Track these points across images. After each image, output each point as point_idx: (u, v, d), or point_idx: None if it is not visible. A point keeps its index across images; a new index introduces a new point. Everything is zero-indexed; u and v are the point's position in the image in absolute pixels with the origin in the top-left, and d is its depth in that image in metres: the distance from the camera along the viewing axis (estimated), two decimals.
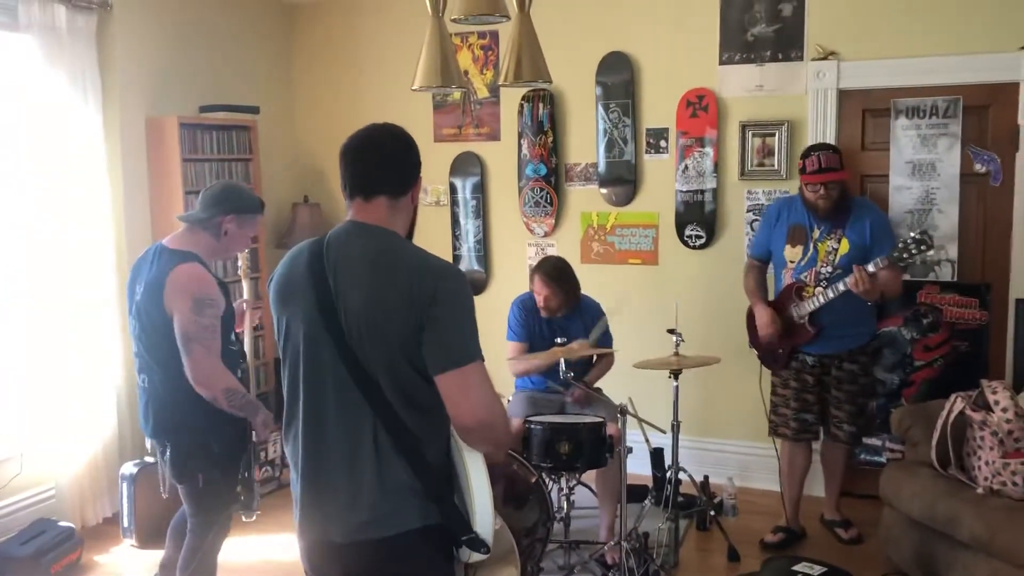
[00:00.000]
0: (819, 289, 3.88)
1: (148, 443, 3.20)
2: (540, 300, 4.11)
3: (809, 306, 3.89)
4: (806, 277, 3.94)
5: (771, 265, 4.19)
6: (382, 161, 2.05)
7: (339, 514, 2.01)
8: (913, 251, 3.62)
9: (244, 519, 3.30)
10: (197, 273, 2.94)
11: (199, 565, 3.14)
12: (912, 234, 3.64)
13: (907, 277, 4.41)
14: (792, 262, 3.99)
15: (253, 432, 3.10)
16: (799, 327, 3.96)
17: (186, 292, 2.88)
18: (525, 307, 4.24)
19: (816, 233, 3.94)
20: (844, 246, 3.87)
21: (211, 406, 2.93)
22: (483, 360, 1.96)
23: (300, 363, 2.03)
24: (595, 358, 4.28)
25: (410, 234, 2.15)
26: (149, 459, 4.42)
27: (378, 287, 1.93)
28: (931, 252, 3.72)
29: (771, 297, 4.17)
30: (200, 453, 3.02)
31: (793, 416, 4.09)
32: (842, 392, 4.00)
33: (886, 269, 3.67)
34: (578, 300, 4.19)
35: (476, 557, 2.05)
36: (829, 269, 3.88)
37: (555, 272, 4.12)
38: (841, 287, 3.76)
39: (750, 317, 4.21)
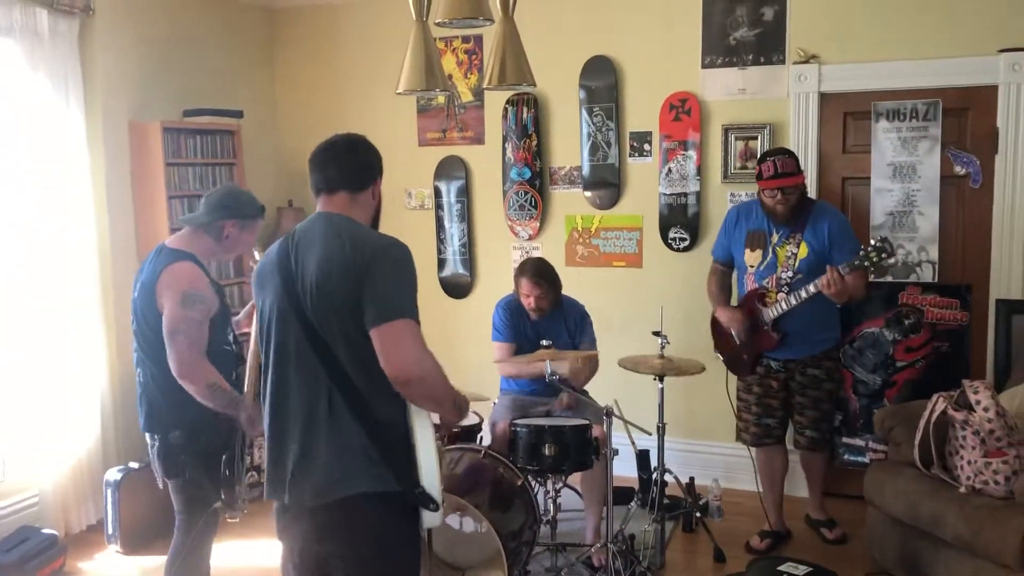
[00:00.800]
0: (782, 295, 3.88)
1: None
2: (531, 302, 4.11)
3: (773, 312, 3.90)
4: (768, 283, 3.95)
5: (735, 269, 4.20)
6: (342, 162, 2.33)
7: (295, 477, 2.17)
8: (874, 258, 3.63)
9: (228, 519, 3.30)
10: (189, 270, 3.00)
11: (184, 563, 3.15)
12: (873, 241, 3.66)
13: (889, 279, 4.46)
14: (752, 267, 4.00)
15: (243, 434, 3.11)
16: (763, 333, 3.98)
17: (176, 287, 2.95)
18: (510, 308, 4.25)
19: (775, 238, 3.95)
20: (803, 250, 3.88)
21: (195, 408, 2.96)
22: (417, 322, 2.13)
23: (270, 336, 2.25)
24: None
25: (374, 226, 2.38)
26: (133, 464, 4.40)
27: (327, 258, 2.15)
28: (892, 259, 3.73)
29: (735, 303, 4.19)
30: (187, 448, 3.05)
31: (754, 421, 4.11)
32: (806, 398, 4.02)
33: (851, 274, 3.70)
34: (560, 299, 4.21)
35: (430, 517, 2.17)
36: (790, 274, 3.89)
37: (542, 271, 4.15)
38: (803, 294, 3.77)
39: (714, 323, 4.22)
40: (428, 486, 2.14)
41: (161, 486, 3.22)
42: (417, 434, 2.16)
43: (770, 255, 3.95)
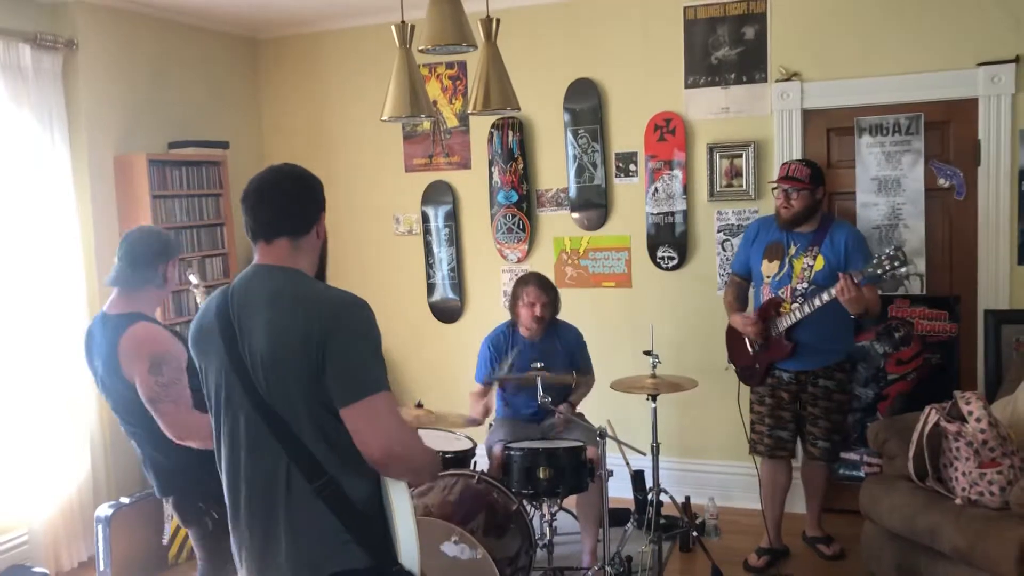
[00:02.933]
0: (795, 305, 3.92)
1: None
2: (536, 310, 4.13)
3: (786, 321, 3.93)
4: (783, 293, 3.98)
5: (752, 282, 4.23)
6: (281, 203, 2.03)
7: (258, 563, 2.00)
8: (887, 267, 3.67)
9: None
10: (146, 333, 2.87)
11: None
12: (887, 250, 3.70)
13: (878, 291, 4.47)
14: (768, 277, 4.04)
15: None
16: (776, 342, 3.99)
17: (140, 355, 2.82)
18: (497, 342, 4.25)
19: (792, 250, 3.99)
20: (819, 263, 3.92)
21: (200, 451, 2.85)
22: (389, 391, 1.93)
23: (219, 409, 2.02)
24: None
25: (321, 270, 2.14)
26: (124, 500, 4.36)
27: (278, 326, 1.91)
28: (904, 268, 3.78)
29: (750, 313, 4.20)
30: (203, 497, 2.96)
31: (768, 433, 4.11)
32: (817, 408, 4.03)
33: (865, 285, 3.72)
34: (555, 318, 4.22)
35: None
36: (805, 285, 3.92)
37: (544, 280, 4.23)
38: (817, 302, 3.79)
39: (730, 333, 4.23)
40: (407, 562, 1.97)
41: (166, 542, 3.16)
42: (395, 506, 1.97)
43: (787, 266, 3.99)
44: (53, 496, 4.34)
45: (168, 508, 3.10)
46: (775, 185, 4.03)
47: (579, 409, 4.27)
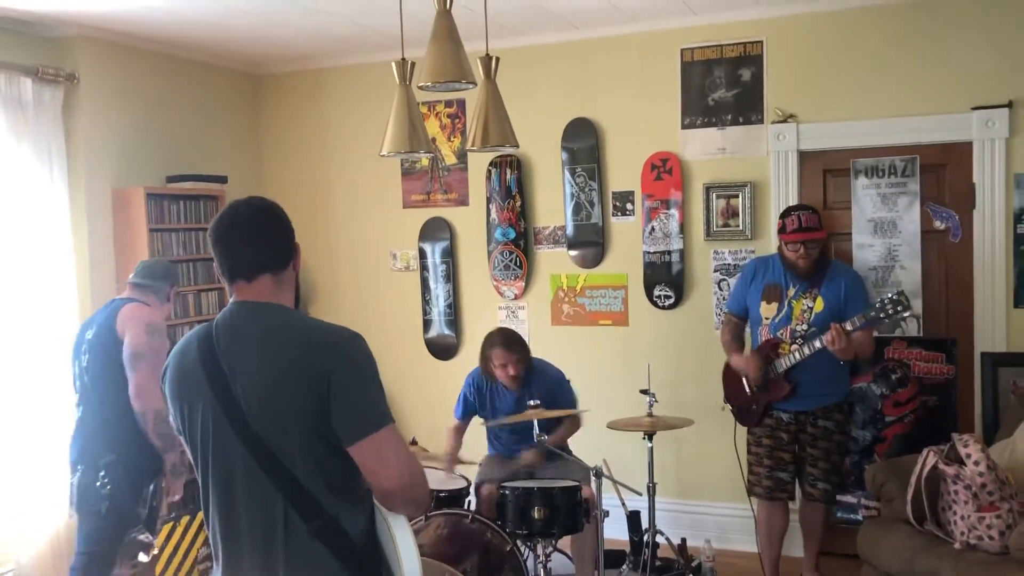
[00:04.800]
0: (795, 346, 3.91)
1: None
2: (509, 370, 4.05)
3: (785, 362, 3.92)
4: (782, 334, 3.97)
5: (748, 322, 4.22)
6: (259, 240, 1.98)
7: None
8: (890, 310, 3.67)
9: (143, 558, 3.29)
10: (148, 310, 3.24)
11: None
12: (890, 294, 3.70)
13: (875, 334, 4.46)
14: (767, 319, 4.03)
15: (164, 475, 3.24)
16: (775, 383, 3.98)
17: (139, 319, 3.15)
18: (477, 382, 4.23)
19: (791, 291, 3.99)
20: (819, 304, 3.92)
21: (132, 434, 3.08)
22: (394, 422, 1.92)
23: (207, 453, 1.96)
24: (560, 420, 4.25)
25: (296, 301, 2.10)
26: None
27: (273, 366, 1.87)
28: (907, 312, 3.77)
29: (748, 353, 4.19)
30: (115, 470, 3.13)
31: (767, 474, 4.08)
32: (817, 450, 4.00)
33: (861, 329, 3.72)
34: (531, 361, 4.18)
35: None
36: (804, 327, 3.92)
37: (510, 337, 4.11)
38: (817, 344, 3.79)
39: (726, 372, 4.22)
40: None
41: (71, 517, 3.26)
42: (397, 539, 1.94)
43: (786, 308, 3.99)
44: (41, 529, 4.28)
45: (72, 490, 3.20)
46: (790, 240, 3.94)
47: (573, 449, 4.24)
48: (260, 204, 2.03)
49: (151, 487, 3.20)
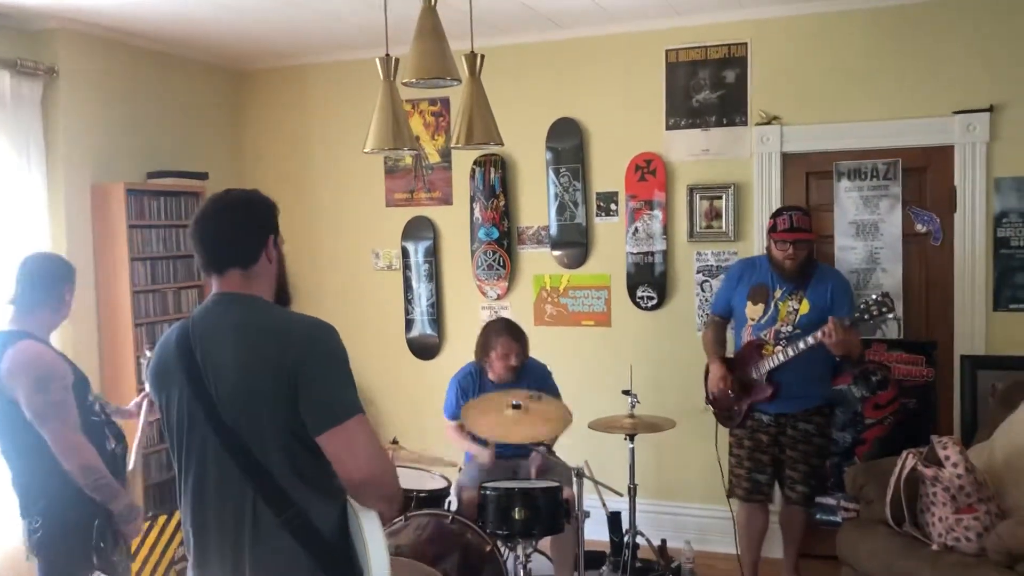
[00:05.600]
0: (779, 347, 3.91)
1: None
2: (511, 360, 4.07)
3: (769, 363, 3.92)
4: (766, 335, 3.98)
5: (732, 321, 4.22)
6: (222, 236, 2.00)
7: None
8: (874, 311, 3.68)
9: None
10: (31, 351, 2.88)
11: None
12: (874, 295, 3.72)
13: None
14: (753, 320, 4.03)
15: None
16: (757, 384, 3.98)
17: (25, 373, 2.83)
18: (464, 382, 4.20)
19: (778, 293, 3.99)
20: (804, 306, 3.92)
21: (61, 481, 2.86)
22: (364, 413, 1.92)
23: (183, 445, 1.98)
24: None
25: (282, 292, 2.11)
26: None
27: (246, 357, 1.89)
28: (891, 314, 3.78)
29: (731, 354, 4.19)
30: (56, 520, 2.93)
31: (746, 476, 4.08)
32: (797, 452, 4.01)
33: (850, 329, 3.74)
34: None
35: None
36: (789, 328, 3.92)
37: (514, 328, 4.17)
38: (802, 345, 3.79)
39: (707, 373, 4.22)
40: None
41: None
42: (366, 534, 1.94)
43: (772, 309, 3.98)
44: (12, 533, 4.21)
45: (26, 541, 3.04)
46: (780, 239, 3.93)
47: (555, 449, 4.23)
48: (229, 201, 2.04)
49: (99, 541, 2.94)
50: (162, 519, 4.48)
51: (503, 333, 4.12)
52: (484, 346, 4.16)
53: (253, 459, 1.88)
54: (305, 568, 1.90)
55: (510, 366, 4.08)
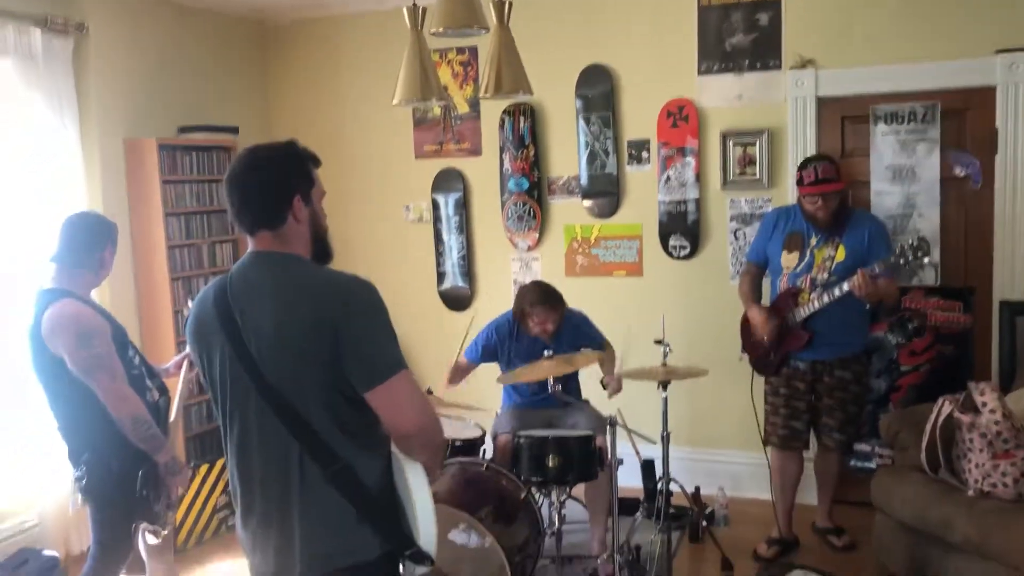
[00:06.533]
0: (814, 295, 3.88)
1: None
2: (549, 327, 4.05)
3: (804, 311, 3.90)
4: (802, 283, 3.94)
5: (768, 271, 4.19)
6: (248, 199, 1.98)
7: (272, 553, 1.98)
8: (909, 256, 3.63)
9: (151, 540, 3.32)
10: (70, 309, 2.92)
11: None
12: (910, 240, 3.66)
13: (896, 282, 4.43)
14: (788, 268, 4.00)
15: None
16: (793, 332, 3.96)
17: (66, 330, 2.87)
18: (500, 332, 4.22)
19: (813, 240, 3.95)
20: (840, 254, 3.88)
21: (106, 432, 2.93)
22: (407, 367, 1.93)
23: (226, 400, 1.99)
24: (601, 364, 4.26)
25: (322, 251, 2.08)
26: None
27: (284, 314, 1.89)
28: (927, 259, 3.73)
29: (767, 303, 4.17)
30: (99, 469, 3.00)
31: (782, 424, 4.08)
32: (833, 399, 4.00)
33: (883, 276, 3.69)
34: None
35: (420, 570, 2.01)
36: (825, 275, 3.88)
37: (550, 294, 4.10)
38: (837, 292, 3.76)
39: (744, 322, 4.20)
40: (425, 544, 1.97)
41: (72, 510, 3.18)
42: (412, 488, 1.96)
43: (808, 256, 3.95)
44: (63, 480, 4.34)
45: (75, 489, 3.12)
46: (808, 193, 3.87)
47: (587, 397, 4.26)
48: (253, 160, 2.00)
49: (142, 489, 3.01)
50: (203, 468, 4.59)
51: (537, 303, 4.06)
52: (520, 312, 4.14)
53: (297, 416, 1.90)
54: (352, 520, 1.93)
55: (548, 331, 4.09)
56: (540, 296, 4.09)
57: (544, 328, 4.07)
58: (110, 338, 2.96)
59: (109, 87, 4.67)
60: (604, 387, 4.11)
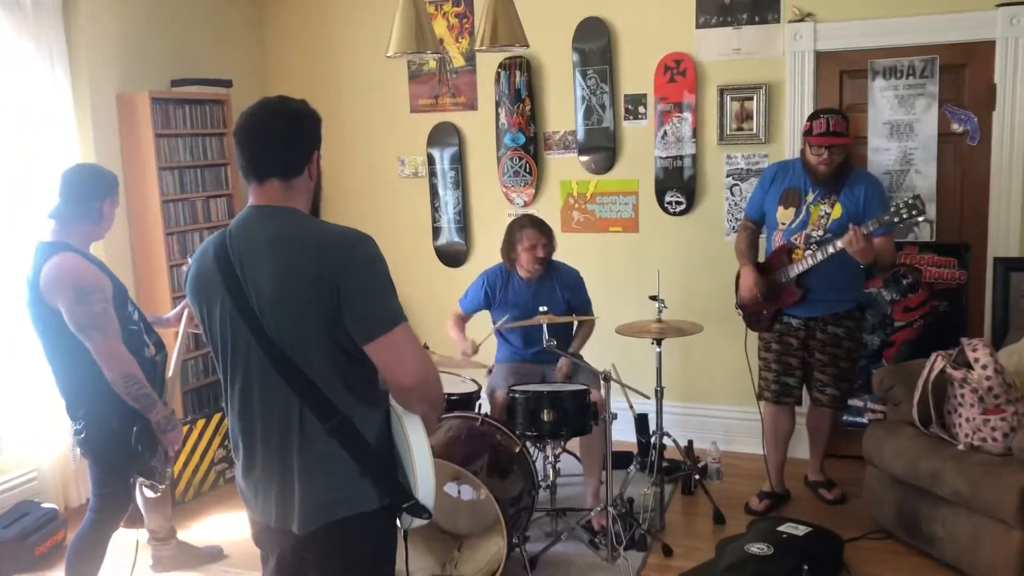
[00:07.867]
0: (808, 252, 3.88)
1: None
2: (538, 251, 4.09)
3: (797, 268, 3.90)
4: (796, 239, 3.94)
5: (764, 226, 4.19)
6: (269, 144, 1.97)
7: (274, 504, 2.01)
8: (904, 215, 3.62)
9: (148, 494, 3.39)
10: (69, 263, 2.92)
11: (86, 540, 3.18)
12: (906, 198, 3.65)
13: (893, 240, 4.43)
14: (783, 224, 3.99)
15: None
16: (786, 288, 3.97)
17: (65, 285, 2.87)
18: (491, 280, 4.25)
19: (810, 197, 3.94)
20: (837, 211, 3.87)
21: (99, 389, 2.95)
22: (407, 320, 1.95)
23: (227, 354, 2.00)
24: (575, 325, 4.29)
25: (315, 209, 2.10)
26: None
27: (285, 270, 1.89)
28: (922, 218, 3.72)
29: (762, 259, 4.17)
30: (95, 424, 3.03)
31: (774, 379, 4.11)
32: (826, 355, 4.02)
33: (877, 235, 3.68)
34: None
35: (418, 523, 2.04)
36: (820, 232, 3.88)
37: (540, 221, 4.19)
38: (831, 249, 3.76)
39: (738, 277, 4.21)
40: (423, 497, 1.99)
41: (74, 464, 3.21)
42: (411, 441, 1.98)
43: (803, 213, 3.94)
44: (61, 433, 4.37)
45: (72, 443, 3.16)
46: (815, 144, 3.84)
47: (583, 353, 4.28)
48: (280, 107, 2.00)
49: (137, 444, 3.03)
50: (200, 422, 4.62)
51: (528, 226, 4.14)
52: (510, 241, 4.18)
53: (297, 370, 1.91)
54: (352, 473, 1.95)
55: (537, 258, 4.10)
56: (529, 220, 4.19)
57: (534, 255, 4.08)
58: (109, 294, 2.96)
59: (100, 39, 4.60)
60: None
